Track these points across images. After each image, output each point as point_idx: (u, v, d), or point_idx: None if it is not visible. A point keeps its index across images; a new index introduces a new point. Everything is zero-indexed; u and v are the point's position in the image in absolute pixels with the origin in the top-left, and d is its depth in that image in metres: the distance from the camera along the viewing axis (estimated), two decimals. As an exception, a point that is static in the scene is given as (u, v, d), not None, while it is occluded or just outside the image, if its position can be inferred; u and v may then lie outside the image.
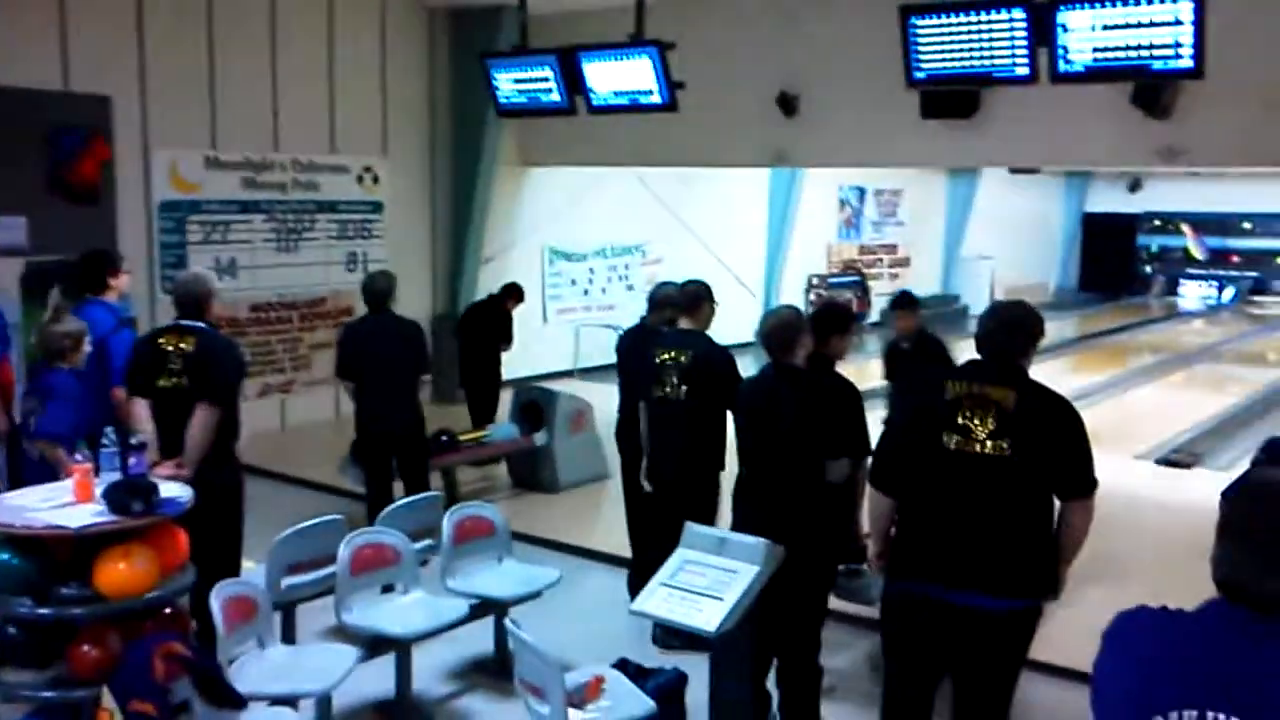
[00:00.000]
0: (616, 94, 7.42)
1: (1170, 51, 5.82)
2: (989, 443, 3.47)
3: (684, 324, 5.50)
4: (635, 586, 6.00)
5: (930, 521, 3.63)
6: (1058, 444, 3.50)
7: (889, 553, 3.79)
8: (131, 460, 4.01)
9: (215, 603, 3.98)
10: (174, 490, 3.95)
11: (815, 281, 17.14)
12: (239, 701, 3.64)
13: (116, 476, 3.91)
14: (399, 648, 4.67)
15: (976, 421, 3.49)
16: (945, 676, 3.74)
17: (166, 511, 3.79)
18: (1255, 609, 1.77)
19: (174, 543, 3.85)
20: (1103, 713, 1.88)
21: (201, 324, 5.05)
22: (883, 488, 3.79)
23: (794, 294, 16.39)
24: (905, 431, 3.75)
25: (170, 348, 4.93)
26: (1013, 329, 3.66)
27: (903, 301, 7.16)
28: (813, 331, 4.61)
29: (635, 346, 5.97)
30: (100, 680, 3.46)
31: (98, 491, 3.77)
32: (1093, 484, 3.56)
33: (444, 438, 7.45)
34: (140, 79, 8.77)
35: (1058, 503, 3.61)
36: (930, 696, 3.76)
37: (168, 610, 3.85)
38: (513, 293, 9.61)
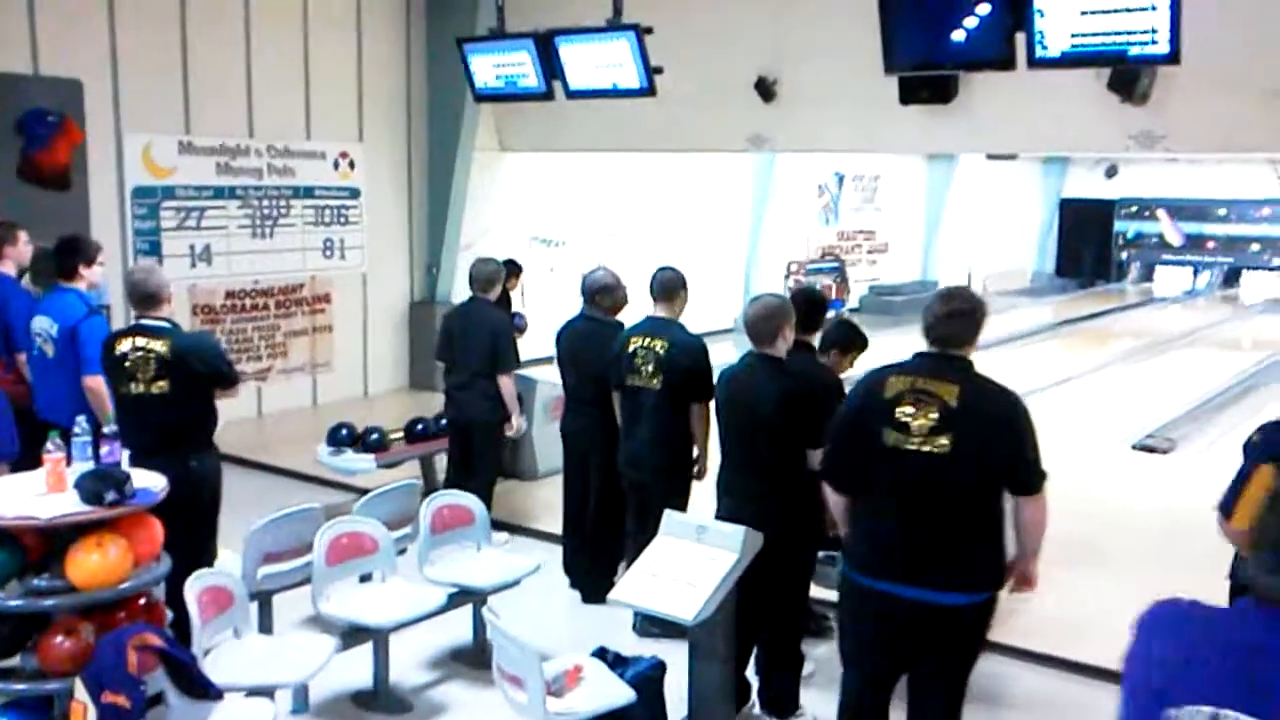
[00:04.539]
0: (594, 79, 7.38)
1: (1147, 37, 5.83)
2: (928, 439, 3.41)
3: (659, 312, 5.47)
4: (571, 572, 6.01)
5: (876, 517, 3.60)
6: (1001, 441, 3.42)
7: (847, 543, 3.77)
8: (104, 450, 3.96)
9: (190, 593, 3.94)
10: (148, 480, 3.91)
11: (794, 268, 17.13)
12: (214, 693, 3.62)
13: (90, 466, 3.87)
14: (377, 637, 4.65)
15: (917, 419, 3.43)
16: (902, 673, 3.70)
17: (140, 501, 3.75)
18: None
19: (148, 533, 3.80)
20: (1126, 700, 1.90)
21: (166, 323, 4.84)
22: (832, 484, 3.76)
23: (773, 280, 16.39)
24: (846, 428, 3.68)
25: (132, 351, 4.70)
26: (962, 319, 3.55)
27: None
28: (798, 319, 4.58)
29: (586, 337, 5.85)
30: (73, 672, 3.43)
31: (70, 481, 3.73)
32: (1041, 479, 3.49)
33: (420, 426, 7.40)
34: (112, 62, 8.65)
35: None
36: (886, 691, 3.73)
37: (142, 601, 3.81)
38: (512, 271, 9.01)
